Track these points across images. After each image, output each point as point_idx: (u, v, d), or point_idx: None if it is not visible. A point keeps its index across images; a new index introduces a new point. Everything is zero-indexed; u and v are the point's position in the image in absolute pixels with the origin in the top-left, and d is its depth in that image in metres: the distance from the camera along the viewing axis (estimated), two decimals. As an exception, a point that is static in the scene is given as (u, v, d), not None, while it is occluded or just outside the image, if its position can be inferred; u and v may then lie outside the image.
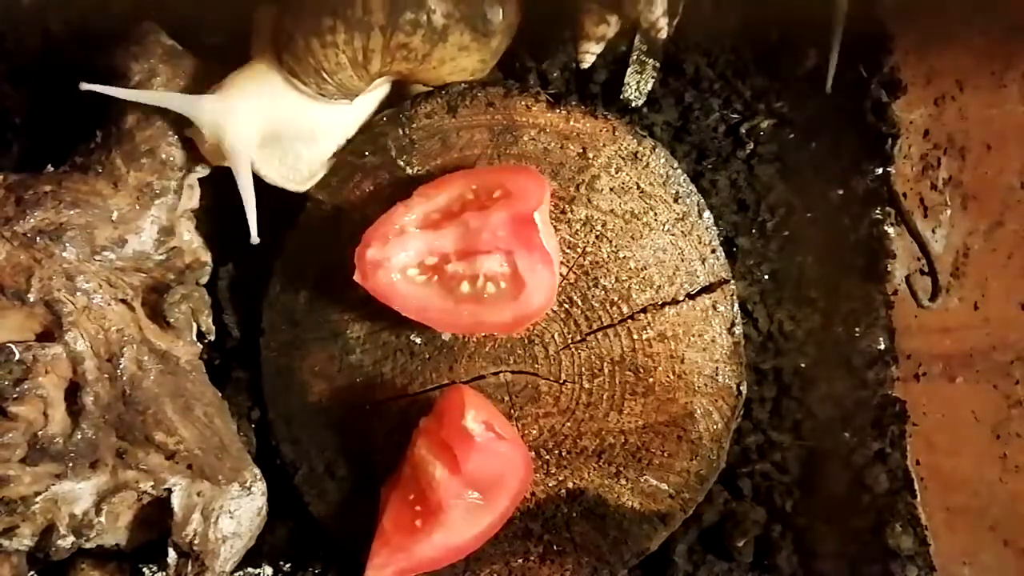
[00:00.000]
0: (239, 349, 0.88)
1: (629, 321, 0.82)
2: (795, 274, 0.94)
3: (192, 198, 0.86)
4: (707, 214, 0.83)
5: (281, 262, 0.84)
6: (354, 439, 0.84)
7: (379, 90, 0.85)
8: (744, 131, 0.93)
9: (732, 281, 0.83)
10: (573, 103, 0.83)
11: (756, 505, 0.91)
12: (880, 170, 0.95)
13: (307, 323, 0.84)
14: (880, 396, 0.94)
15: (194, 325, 0.85)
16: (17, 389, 0.75)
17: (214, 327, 0.87)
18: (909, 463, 0.94)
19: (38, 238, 0.78)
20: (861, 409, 0.94)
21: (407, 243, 0.77)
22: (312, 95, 0.79)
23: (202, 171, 0.85)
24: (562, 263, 0.82)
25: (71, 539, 0.78)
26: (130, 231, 0.82)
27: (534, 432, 0.83)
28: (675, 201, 0.83)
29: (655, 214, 0.83)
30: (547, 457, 0.83)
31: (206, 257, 0.87)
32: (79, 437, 0.76)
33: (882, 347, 0.95)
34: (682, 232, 0.83)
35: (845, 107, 0.93)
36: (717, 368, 0.83)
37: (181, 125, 0.82)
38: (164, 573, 0.80)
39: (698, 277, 0.83)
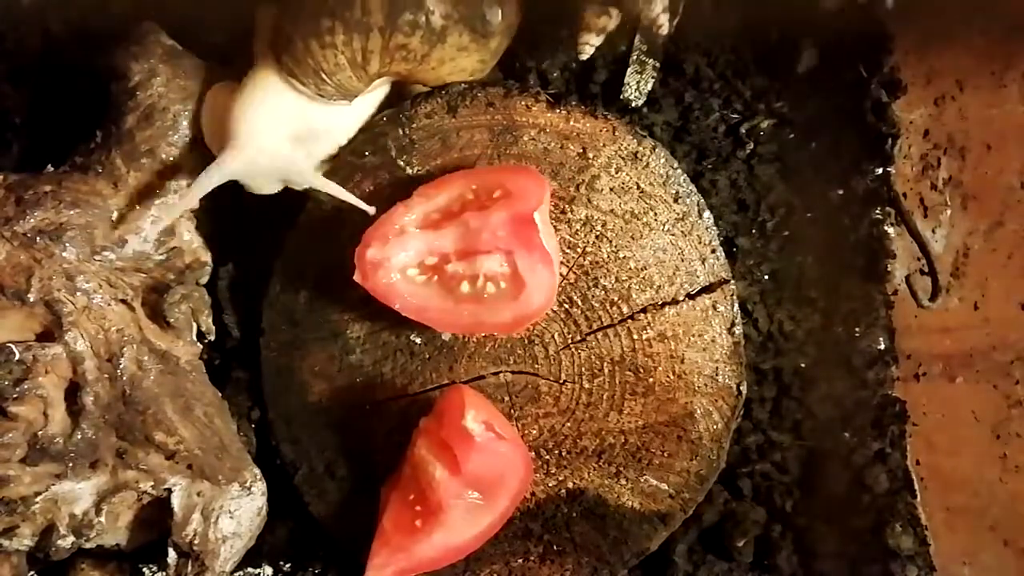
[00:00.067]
0: (239, 349, 0.88)
1: (629, 321, 0.82)
2: (795, 274, 0.94)
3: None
4: (707, 214, 0.83)
5: (281, 262, 0.84)
6: (354, 439, 0.84)
7: (379, 91, 0.85)
8: (744, 131, 0.93)
9: (732, 281, 0.83)
10: (573, 103, 0.83)
11: (756, 505, 0.91)
12: (880, 170, 0.95)
13: (307, 323, 0.84)
14: (880, 396, 0.94)
15: (194, 325, 0.85)
16: (17, 389, 0.75)
17: (214, 327, 0.87)
18: (909, 463, 0.94)
19: (38, 238, 0.79)
20: (861, 409, 0.94)
21: (407, 243, 0.77)
22: (311, 96, 0.79)
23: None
24: (562, 263, 0.82)
25: (71, 539, 0.78)
26: (130, 231, 0.82)
27: (534, 432, 0.83)
28: (675, 201, 0.83)
29: (655, 214, 0.83)
30: (547, 457, 0.83)
31: (206, 257, 0.87)
32: (79, 437, 0.76)
33: (882, 347, 0.95)
34: (682, 232, 0.83)
35: (845, 107, 0.93)
36: (717, 368, 0.83)
37: (181, 126, 0.82)
38: (164, 573, 0.80)
39: (698, 277, 0.83)
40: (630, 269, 0.82)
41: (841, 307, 0.95)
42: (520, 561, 0.84)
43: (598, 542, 0.83)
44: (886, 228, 0.95)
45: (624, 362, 0.82)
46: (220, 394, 0.86)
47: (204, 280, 0.88)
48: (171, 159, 0.82)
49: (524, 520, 0.83)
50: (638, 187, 0.83)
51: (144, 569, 0.84)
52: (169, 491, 0.79)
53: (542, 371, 0.83)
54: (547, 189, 0.78)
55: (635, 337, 0.82)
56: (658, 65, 0.93)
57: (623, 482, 0.83)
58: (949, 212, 0.91)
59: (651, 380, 0.82)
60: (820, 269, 0.94)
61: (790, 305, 0.94)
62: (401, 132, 0.83)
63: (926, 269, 0.92)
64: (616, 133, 0.82)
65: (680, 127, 0.94)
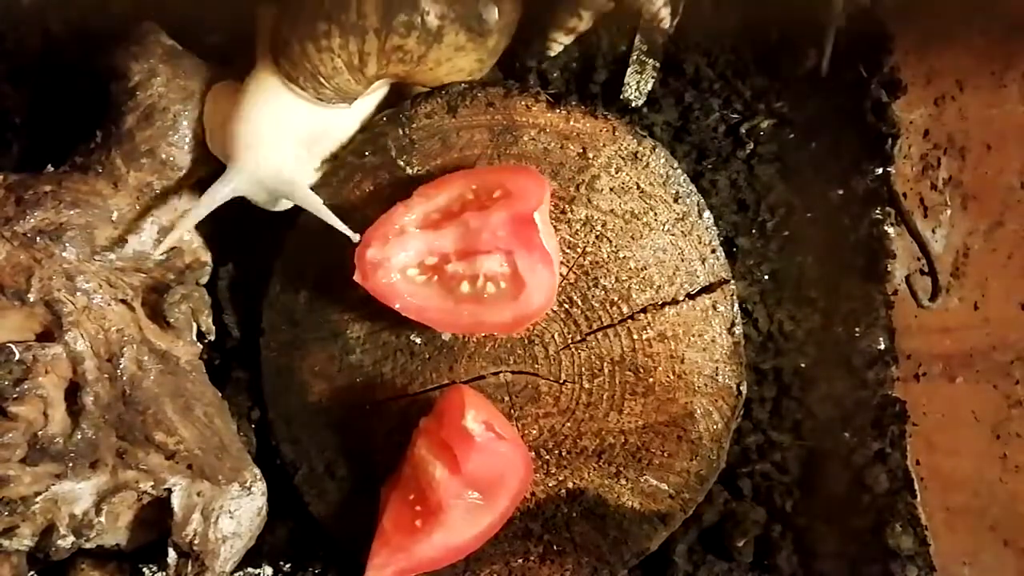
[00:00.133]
0: (239, 349, 0.88)
1: (629, 321, 0.82)
2: (795, 274, 0.94)
3: (192, 198, 0.86)
4: (707, 214, 0.83)
5: (281, 262, 0.84)
6: (354, 439, 0.84)
7: (378, 92, 0.85)
8: (744, 131, 0.93)
9: (732, 281, 0.83)
10: (573, 103, 0.83)
11: (756, 505, 0.91)
12: (880, 170, 0.94)
13: (307, 323, 0.84)
14: (880, 396, 0.94)
15: (194, 325, 0.85)
16: (17, 389, 0.75)
17: (214, 327, 0.87)
18: (909, 463, 0.94)
19: (38, 238, 0.79)
20: (861, 409, 0.94)
21: (407, 243, 0.77)
22: (311, 100, 0.79)
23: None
24: (562, 263, 0.82)
25: (71, 539, 0.78)
26: (130, 231, 0.82)
27: (534, 432, 0.83)
28: (675, 201, 0.83)
29: (655, 214, 0.83)
30: (547, 457, 0.83)
31: (206, 257, 0.87)
32: (79, 437, 0.76)
33: (882, 347, 0.95)
34: (682, 232, 0.83)
35: (845, 107, 0.93)
36: (717, 368, 0.83)
37: (181, 126, 0.82)
38: (164, 573, 0.80)
39: (698, 277, 0.83)
40: (630, 269, 0.82)
41: (841, 307, 0.95)
42: (520, 561, 0.84)
43: (598, 542, 0.83)
44: (886, 228, 0.95)
45: (624, 362, 0.82)
46: (220, 394, 0.86)
47: (204, 280, 0.88)
48: (171, 159, 0.82)
49: (524, 520, 0.83)
50: (638, 187, 0.83)
51: (144, 569, 0.83)
52: (169, 491, 0.79)
53: (542, 371, 0.83)
54: (547, 189, 0.78)
55: (635, 337, 0.82)
56: (658, 65, 0.93)
57: (623, 482, 0.83)
58: (949, 212, 0.91)
59: (651, 380, 0.82)
60: (820, 269, 0.94)
61: (790, 305, 0.94)
62: (401, 132, 0.83)
63: (926, 269, 0.92)
64: (616, 133, 0.82)
65: (680, 127, 0.94)
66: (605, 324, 0.82)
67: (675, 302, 0.82)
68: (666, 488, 0.83)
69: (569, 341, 0.83)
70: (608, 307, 0.82)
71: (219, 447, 0.81)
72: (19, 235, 0.78)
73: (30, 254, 0.78)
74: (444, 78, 0.83)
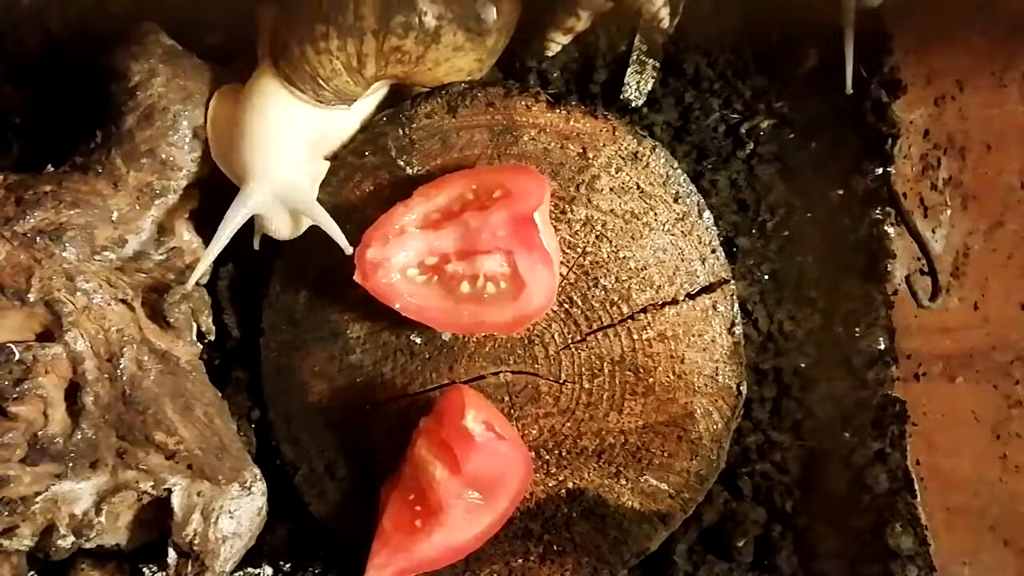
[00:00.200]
0: (239, 349, 0.88)
1: (629, 321, 0.82)
2: (795, 274, 0.94)
3: (192, 198, 0.86)
4: (707, 214, 0.83)
5: (281, 262, 0.84)
6: (354, 439, 0.84)
7: (378, 92, 0.85)
8: (744, 131, 0.93)
9: (732, 281, 0.83)
10: (573, 103, 0.83)
11: (756, 505, 0.91)
12: (880, 170, 0.94)
13: (307, 323, 0.84)
14: (880, 396, 0.94)
15: (194, 325, 0.85)
16: (17, 389, 0.75)
17: (214, 327, 0.87)
18: (909, 463, 0.94)
19: (38, 238, 0.79)
20: (861, 409, 0.94)
21: (407, 243, 0.77)
22: (310, 102, 0.79)
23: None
24: (562, 263, 0.82)
25: (71, 539, 0.78)
26: (130, 231, 0.82)
27: (534, 432, 0.83)
28: (675, 201, 0.83)
29: (655, 214, 0.83)
30: (547, 457, 0.83)
31: (206, 257, 0.87)
32: (79, 437, 0.76)
33: (882, 347, 0.95)
34: (682, 232, 0.83)
35: (845, 107, 0.93)
36: (717, 368, 0.83)
37: (181, 126, 0.82)
38: (164, 573, 0.80)
39: (698, 277, 0.83)
40: (630, 269, 0.82)
41: (841, 307, 0.95)
42: (520, 561, 0.84)
43: (598, 542, 0.83)
44: (886, 228, 0.95)
45: (624, 362, 0.82)
46: (220, 394, 0.86)
47: (204, 280, 0.88)
48: (171, 159, 0.82)
49: (524, 520, 0.83)
50: (638, 187, 0.83)
51: (144, 569, 0.83)
52: (169, 491, 0.79)
53: (542, 371, 0.83)
54: (547, 189, 0.78)
55: (635, 337, 0.82)
56: (658, 65, 0.93)
57: (623, 482, 0.83)
58: (949, 212, 0.91)
59: (651, 380, 0.82)
60: (820, 269, 0.94)
61: (790, 305, 0.94)
62: (401, 132, 0.83)
63: (926, 269, 0.92)
64: (616, 133, 0.82)
65: (680, 127, 0.94)
66: (605, 324, 0.82)
67: (675, 302, 0.82)
68: (666, 488, 0.83)
69: (569, 341, 0.83)
70: (608, 307, 0.82)
71: (219, 447, 0.81)
72: (19, 235, 0.78)
73: (30, 254, 0.78)
74: (443, 78, 0.83)
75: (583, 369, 0.83)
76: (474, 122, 0.83)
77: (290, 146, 0.80)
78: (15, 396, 0.74)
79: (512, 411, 0.83)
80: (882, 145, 0.94)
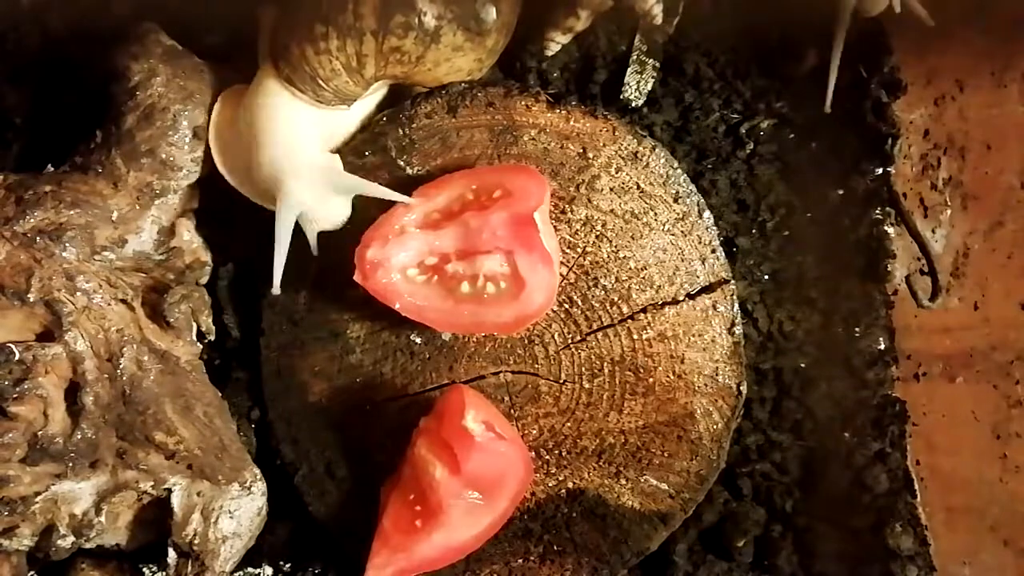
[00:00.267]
0: (239, 349, 0.88)
1: (629, 321, 0.82)
2: (795, 274, 0.94)
3: (192, 198, 0.86)
4: (707, 214, 0.83)
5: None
6: (354, 439, 0.84)
7: (378, 92, 0.85)
8: (744, 131, 0.93)
9: (732, 281, 0.83)
10: (573, 103, 0.83)
11: (756, 505, 0.91)
12: (880, 170, 0.94)
13: (307, 323, 0.84)
14: (880, 396, 0.94)
15: (194, 325, 0.85)
16: (17, 389, 0.75)
17: (214, 327, 0.87)
18: (909, 463, 0.94)
19: (38, 238, 0.79)
20: (861, 409, 0.94)
21: (407, 243, 0.77)
22: (310, 102, 0.79)
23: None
24: (562, 263, 0.82)
25: (71, 539, 0.78)
26: (130, 231, 0.82)
27: (534, 432, 0.83)
28: (675, 201, 0.83)
29: (655, 214, 0.83)
30: (547, 457, 0.83)
31: (206, 257, 0.87)
32: (79, 437, 0.76)
33: (882, 347, 0.95)
34: (682, 232, 0.83)
35: (845, 107, 0.92)
36: (717, 368, 0.83)
37: (181, 126, 0.82)
38: (164, 573, 0.80)
39: (698, 277, 0.83)
40: (630, 269, 0.82)
41: (841, 307, 0.95)
42: (520, 561, 0.84)
43: (598, 542, 0.83)
44: (886, 228, 0.95)
45: (624, 362, 0.82)
46: (220, 394, 0.86)
47: (204, 280, 0.88)
48: (171, 159, 0.82)
49: (524, 520, 0.83)
50: (638, 187, 0.83)
51: (144, 569, 0.83)
52: (169, 491, 0.79)
53: (542, 371, 0.83)
54: (547, 189, 0.78)
55: (635, 337, 0.82)
56: (658, 65, 0.93)
57: (623, 482, 0.83)
58: (949, 212, 0.91)
59: (651, 380, 0.82)
60: (820, 269, 0.94)
61: (790, 305, 0.94)
62: (401, 132, 0.83)
63: (926, 269, 0.92)
64: (616, 133, 0.82)
65: (680, 127, 0.94)
66: (605, 324, 0.82)
67: (675, 302, 0.82)
68: (666, 488, 0.83)
69: (569, 341, 0.83)
70: (608, 307, 0.82)
71: (219, 447, 0.81)
72: (19, 235, 0.78)
73: (30, 254, 0.78)
74: (443, 78, 0.83)
75: (583, 369, 0.83)
76: (474, 122, 0.83)
77: (311, 137, 0.80)
78: (15, 396, 0.74)
79: (512, 411, 0.83)
80: (882, 145, 0.94)
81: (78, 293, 0.78)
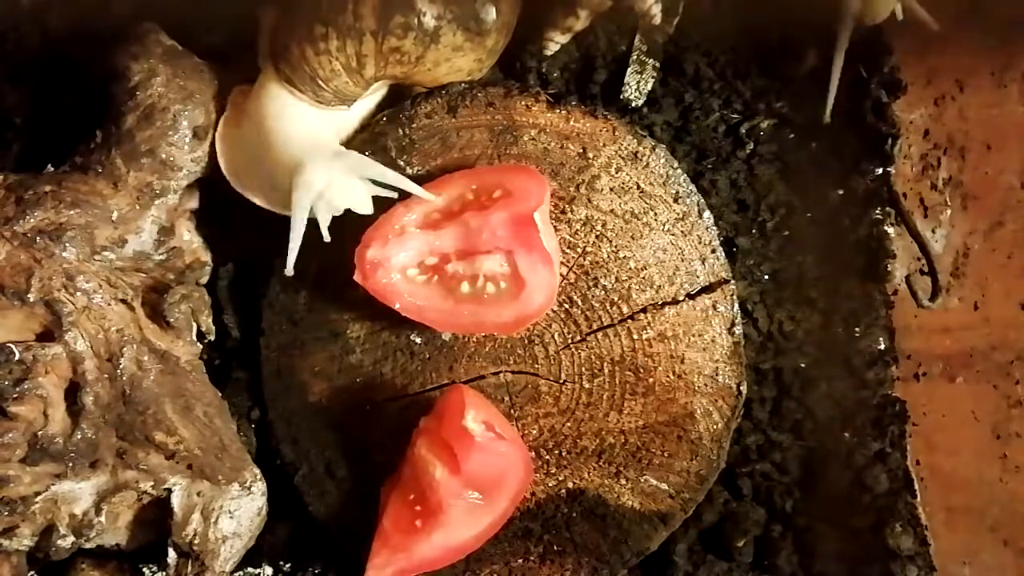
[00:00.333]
0: (239, 349, 0.88)
1: (629, 321, 0.82)
2: (795, 274, 0.94)
3: (192, 198, 0.86)
4: (707, 214, 0.83)
5: (281, 262, 0.84)
6: (354, 439, 0.84)
7: (378, 92, 0.85)
8: (744, 131, 0.93)
9: (732, 281, 0.83)
10: (573, 103, 0.83)
11: (756, 505, 0.91)
12: (880, 170, 0.94)
13: (307, 323, 0.84)
14: (880, 396, 0.94)
15: (194, 325, 0.85)
16: (17, 389, 0.75)
17: (214, 327, 0.87)
18: (909, 463, 0.94)
19: (38, 238, 0.79)
20: (861, 409, 0.94)
21: (407, 243, 0.77)
22: (310, 102, 0.79)
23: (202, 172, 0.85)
24: (562, 263, 0.82)
25: (71, 539, 0.78)
26: (130, 231, 0.82)
27: (534, 432, 0.83)
28: (675, 201, 0.83)
29: (655, 214, 0.83)
30: (547, 457, 0.83)
31: (206, 257, 0.87)
32: (79, 437, 0.76)
33: (882, 347, 0.95)
34: (682, 232, 0.83)
35: (845, 107, 0.92)
36: (717, 368, 0.83)
37: (181, 126, 0.82)
38: (164, 573, 0.80)
39: (698, 277, 0.83)
40: (630, 269, 0.82)
41: (841, 307, 0.95)
42: (520, 561, 0.84)
43: (598, 542, 0.83)
44: (886, 228, 0.95)
45: (624, 362, 0.82)
46: (220, 394, 0.86)
47: (204, 280, 0.88)
48: (171, 159, 0.82)
49: (524, 520, 0.83)
50: (638, 187, 0.83)
51: (144, 569, 0.83)
52: (169, 491, 0.79)
53: (542, 371, 0.83)
54: (547, 189, 0.78)
55: (635, 337, 0.82)
56: (658, 65, 0.93)
57: (623, 482, 0.83)
58: (949, 212, 0.91)
59: (651, 380, 0.82)
60: (820, 269, 0.94)
61: (790, 305, 0.94)
62: (401, 132, 0.83)
63: (926, 269, 0.92)
64: (616, 133, 0.82)
65: (680, 127, 0.94)
66: (605, 324, 0.82)
67: (675, 302, 0.82)
68: (666, 488, 0.83)
69: (569, 341, 0.83)
70: (608, 307, 0.82)
71: (219, 447, 0.81)
72: (19, 235, 0.78)
73: (30, 254, 0.78)
74: (443, 78, 0.83)
75: (583, 369, 0.83)
76: (474, 122, 0.83)
77: (323, 132, 0.80)
78: (15, 396, 0.75)
79: (512, 411, 0.83)
80: (882, 145, 0.94)
81: (78, 293, 0.78)
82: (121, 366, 0.79)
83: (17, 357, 0.76)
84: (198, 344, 0.86)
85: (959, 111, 0.89)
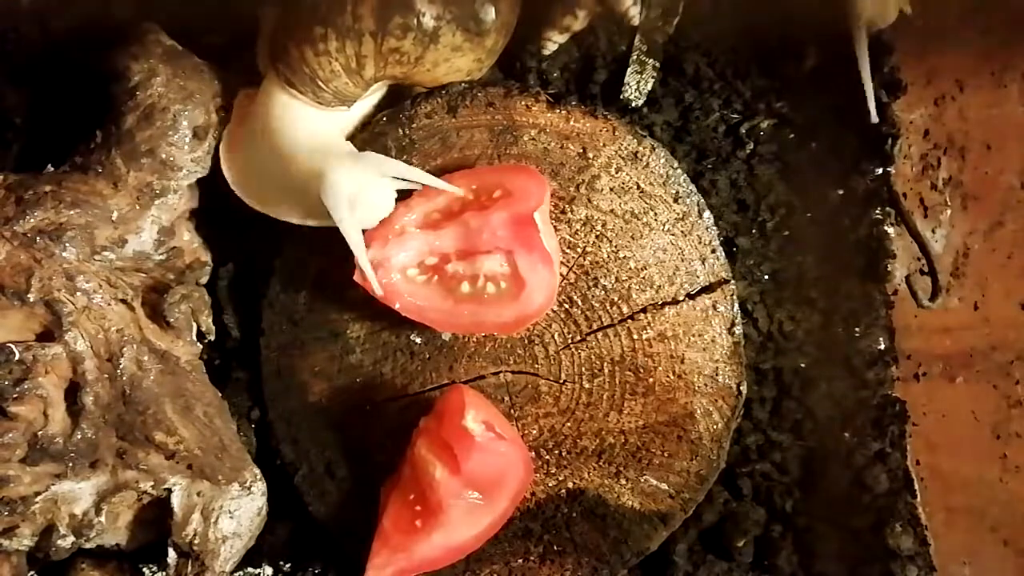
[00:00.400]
0: (239, 349, 0.88)
1: (629, 321, 0.82)
2: (795, 274, 0.94)
3: (192, 198, 0.86)
4: (707, 214, 0.83)
5: (281, 262, 0.84)
6: (354, 439, 0.84)
7: (377, 93, 0.85)
8: (744, 131, 0.93)
9: (732, 281, 0.83)
10: (573, 103, 0.83)
11: (756, 505, 0.91)
12: (880, 170, 0.94)
13: (307, 323, 0.84)
14: (880, 396, 0.94)
15: (194, 325, 0.85)
16: (17, 389, 0.75)
17: (214, 327, 0.87)
18: (909, 463, 0.94)
19: (38, 238, 0.79)
20: (861, 409, 0.94)
21: (407, 243, 0.77)
22: (310, 103, 0.79)
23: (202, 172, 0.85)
24: (562, 263, 0.82)
25: (71, 539, 0.78)
26: (130, 231, 0.83)
27: (534, 432, 0.83)
28: (675, 201, 0.83)
29: (655, 214, 0.83)
30: (547, 457, 0.83)
31: (206, 257, 0.87)
32: (79, 437, 0.76)
33: (882, 347, 0.95)
34: (682, 232, 0.83)
35: (845, 107, 0.92)
36: (717, 368, 0.83)
37: (181, 126, 0.82)
38: (164, 573, 0.80)
39: (698, 277, 0.83)
40: (630, 269, 0.82)
41: (841, 307, 0.95)
42: (520, 561, 0.84)
43: (598, 542, 0.83)
44: (886, 228, 0.95)
45: (624, 362, 0.82)
46: (220, 394, 0.86)
47: (204, 280, 0.88)
48: (171, 159, 0.82)
49: (524, 520, 0.83)
50: (638, 187, 0.83)
51: (144, 569, 0.84)
52: (169, 491, 0.79)
53: (542, 371, 0.83)
54: (547, 189, 0.78)
55: (635, 337, 0.82)
56: (658, 65, 0.93)
57: (623, 482, 0.83)
58: (949, 212, 0.91)
59: (651, 380, 0.82)
60: (820, 269, 0.94)
61: (790, 305, 0.94)
62: (401, 132, 0.83)
63: (926, 269, 0.92)
64: (616, 133, 0.82)
65: (680, 127, 0.94)
66: (605, 324, 0.82)
67: (675, 302, 0.82)
68: (666, 488, 0.83)
69: (569, 341, 0.83)
70: (608, 307, 0.82)
71: (219, 447, 0.82)
72: (19, 235, 0.78)
73: (30, 254, 0.78)
74: (443, 79, 0.83)
75: (583, 369, 0.83)
76: (474, 122, 0.83)
77: (333, 134, 0.80)
78: (15, 396, 0.75)
79: (512, 411, 0.83)
80: (882, 145, 0.94)
81: (78, 293, 0.78)
82: (121, 366, 0.79)
83: (17, 357, 0.76)
84: (198, 344, 0.86)
85: (959, 111, 0.89)
